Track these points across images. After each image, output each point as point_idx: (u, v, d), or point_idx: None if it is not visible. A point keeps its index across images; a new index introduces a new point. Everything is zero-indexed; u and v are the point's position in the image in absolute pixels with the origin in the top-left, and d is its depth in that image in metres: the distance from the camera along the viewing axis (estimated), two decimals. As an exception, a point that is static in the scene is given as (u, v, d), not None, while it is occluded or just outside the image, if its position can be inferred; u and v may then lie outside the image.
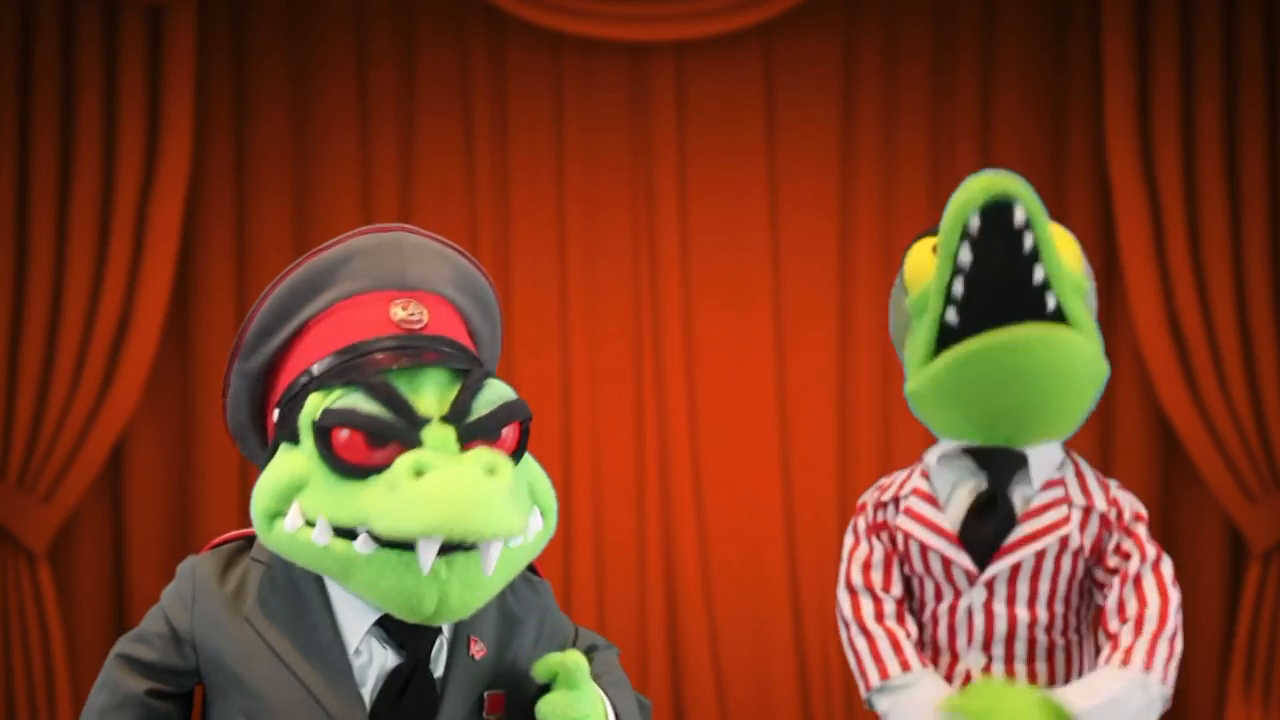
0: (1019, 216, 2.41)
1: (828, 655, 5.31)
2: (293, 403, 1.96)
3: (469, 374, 1.96)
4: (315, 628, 1.97)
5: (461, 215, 5.32)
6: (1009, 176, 2.48)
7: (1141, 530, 2.53)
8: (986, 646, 2.53)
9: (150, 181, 5.08)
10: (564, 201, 5.34)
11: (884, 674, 2.56)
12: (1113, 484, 2.61)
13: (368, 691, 1.96)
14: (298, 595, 1.98)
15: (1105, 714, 2.39)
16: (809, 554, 5.34)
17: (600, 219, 5.36)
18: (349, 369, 1.93)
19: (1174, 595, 2.48)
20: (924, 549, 2.58)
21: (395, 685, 1.96)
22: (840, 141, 5.34)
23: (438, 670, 2.00)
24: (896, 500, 2.72)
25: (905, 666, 2.54)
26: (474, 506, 1.82)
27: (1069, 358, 2.43)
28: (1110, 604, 2.48)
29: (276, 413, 2.00)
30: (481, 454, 1.88)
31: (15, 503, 5.04)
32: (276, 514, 1.94)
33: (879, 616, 2.58)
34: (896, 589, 2.63)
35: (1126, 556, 2.49)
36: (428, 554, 1.83)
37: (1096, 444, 5.23)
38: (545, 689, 2.02)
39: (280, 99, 5.29)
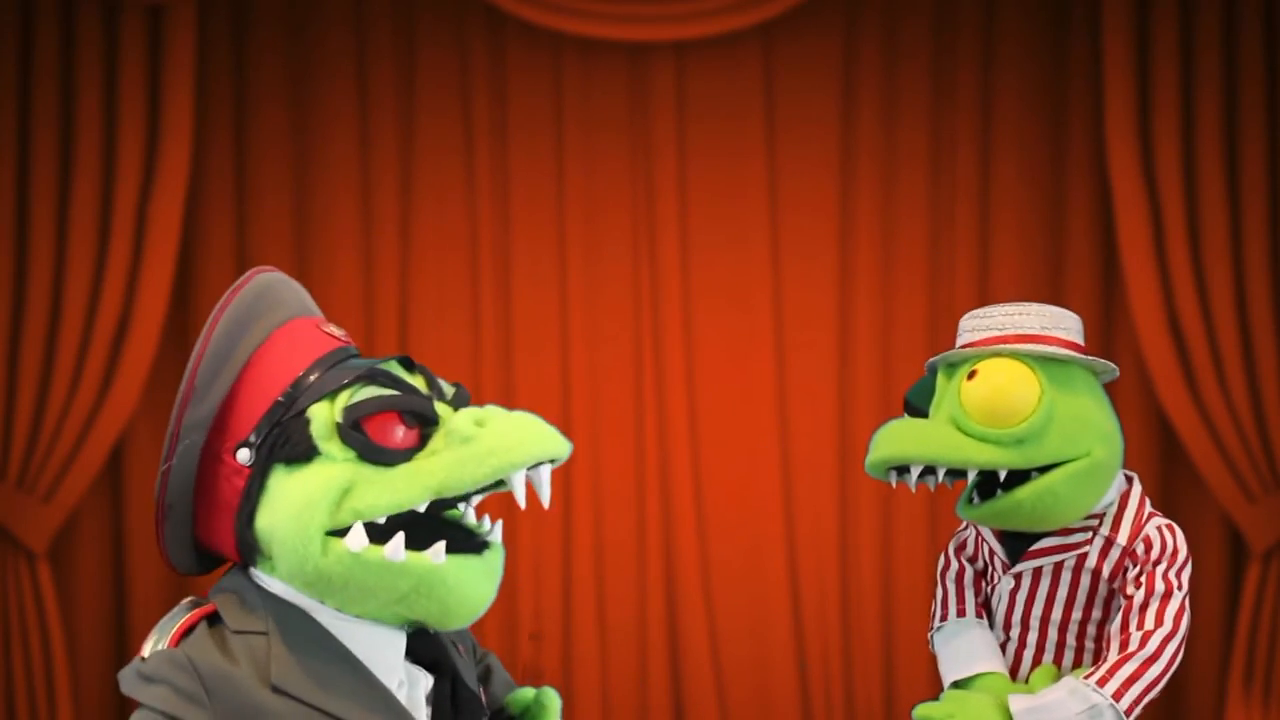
0: (913, 476, 2.81)
1: (828, 655, 5.31)
2: (283, 425, 1.94)
3: (414, 362, 2.04)
4: (349, 676, 1.92)
5: (461, 215, 5.32)
6: (889, 448, 2.82)
7: (1162, 569, 2.83)
8: (1007, 627, 2.94)
9: (150, 181, 5.08)
10: (564, 201, 5.34)
11: (938, 619, 3.03)
12: (1156, 523, 2.87)
13: (423, 715, 1.98)
14: (317, 651, 1.92)
15: (1035, 715, 2.76)
16: (809, 554, 5.34)
17: (600, 219, 5.35)
18: (341, 373, 1.96)
19: (1166, 626, 2.78)
20: (980, 537, 3.00)
21: (445, 701, 1.99)
22: (840, 141, 5.34)
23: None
24: None
25: (961, 614, 3.00)
26: (552, 432, 1.95)
27: (1051, 505, 2.81)
28: (1113, 627, 2.82)
29: (244, 452, 1.95)
30: (488, 408, 1.97)
31: (15, 503, 5.04)
32: (331, 531, 1.90)
33: (956, 577, 3.04)
34: (979, 563, 3.05)
35: (1139, 587, 2.81)
36: (544, 484, 1.93)
37: (1096, 444, 5.24)
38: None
39: (280, 99, 5.29)
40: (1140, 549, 2.83)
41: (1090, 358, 2.89)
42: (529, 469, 1.92)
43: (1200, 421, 5.04)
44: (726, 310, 5.35)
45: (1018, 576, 2.91)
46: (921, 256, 5.34)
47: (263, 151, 5.29)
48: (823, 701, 5.30)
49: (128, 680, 1.93)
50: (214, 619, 1.95)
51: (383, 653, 1.95)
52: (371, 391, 1.94)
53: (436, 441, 1.93)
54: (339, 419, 1.92)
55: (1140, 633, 2.77)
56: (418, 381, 2.01)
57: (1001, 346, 2.85)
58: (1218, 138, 5.04)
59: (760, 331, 5.35)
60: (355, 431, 1.91)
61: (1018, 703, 2.78)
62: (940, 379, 2.91)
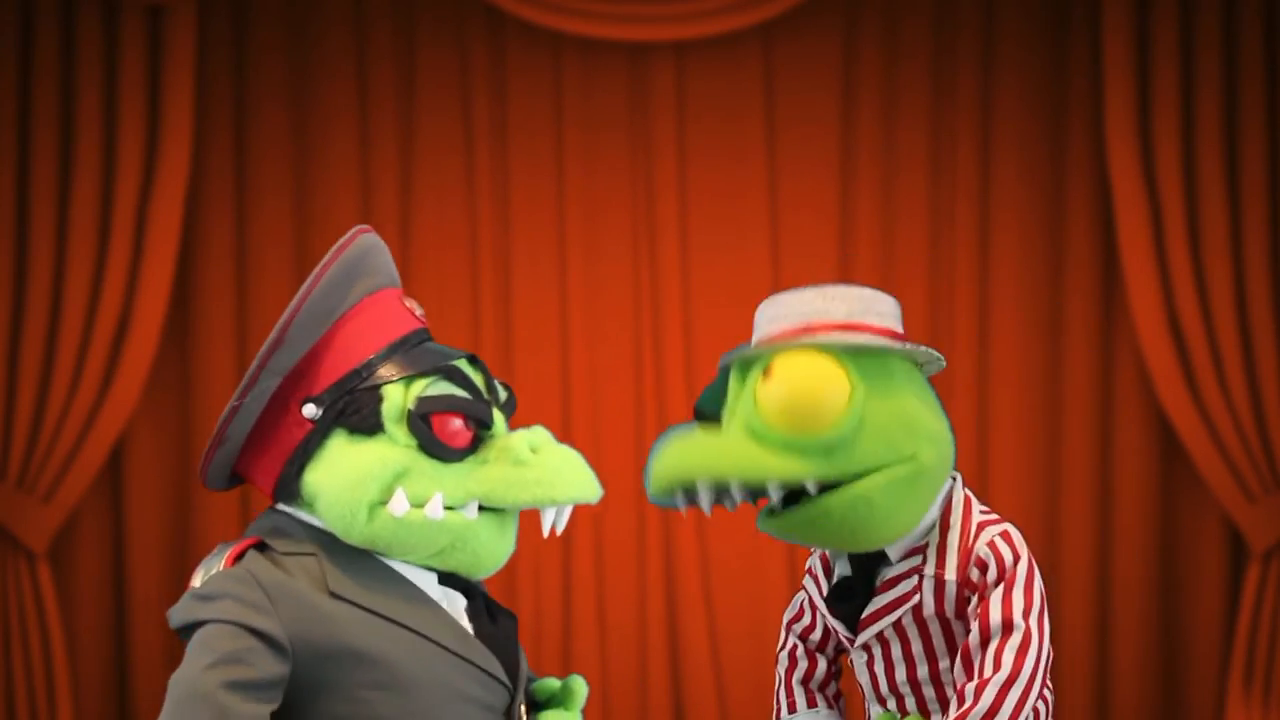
0: (704, 498, 2.40)
1: (828, 655, 5.31)
2: (356, 395, 2.04)
3: (478, 360, 2.16)
4: (398, 585, 2.04)
5: (461, 215, 5.32)
6: (671, 467, 2.44)
7: (999, 595, 2.40)
8: (882, 701, 2.56)
9: (150, 181, 5.08)
10: (564, 201, 5.34)
11: (784, 712, 2.73)
12: (987, 536, 2.45)
13: (466, 624, 2.09)
14: (365, 565, 2.04)
15: None
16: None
17: (600, 219, 5.35)
18: (420, 358, 2.08)
19: (1003, 671, 2.35)
20: (815, 609, 2.70)
21: (482, 615, 2.11)
22: (840, 141, 5.34)
23: None
24: (810, 564, 2.80)
25: (794, 709, 2.70)
26: (591, 477, 2.18)
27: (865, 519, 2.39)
28: (956, 670, 2.44)
29: (311, 407, 2.05)
30: (540, 432, 2.14)
31: (15, 503, 5.04)
32: (378, 503, 2.02)
33: (787, 674, 2.73)
34: (815, 634, 2.74)
35: (975, 620, 2.41)
36: (564, 518, 2.13)
37: (1097, 444, 5.24)
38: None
39: (280, 99, 5.29)
40: (975, 574, 2.42)
41: (910, 346, 2.42)
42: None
43: (1200, 421, 5.04)
44: (726, 310, 5.34)
45: (866, 647, 2.53)
46: (921, 256, 5.33)
47: (263, 151, 5.29)
48: (823, 701, 5.30)
49: (183, 609, 1.99)
50: (259, 549, 2.05)
51: (419, 576, 2.08)
52: (446, 388, 2.07)
53: (489, 451, 2.08)
54: (411, 406, 2.04)
55: (974, 684, 2.35)
56: (478, 379, 2.12)
57: (802, 339, 2.36)
58: (1218, 138, 5.04)
59: (760, 332, 5.34)
60: (423, 423, 2.04)
61: None
62: (733, 381, 2.43)
